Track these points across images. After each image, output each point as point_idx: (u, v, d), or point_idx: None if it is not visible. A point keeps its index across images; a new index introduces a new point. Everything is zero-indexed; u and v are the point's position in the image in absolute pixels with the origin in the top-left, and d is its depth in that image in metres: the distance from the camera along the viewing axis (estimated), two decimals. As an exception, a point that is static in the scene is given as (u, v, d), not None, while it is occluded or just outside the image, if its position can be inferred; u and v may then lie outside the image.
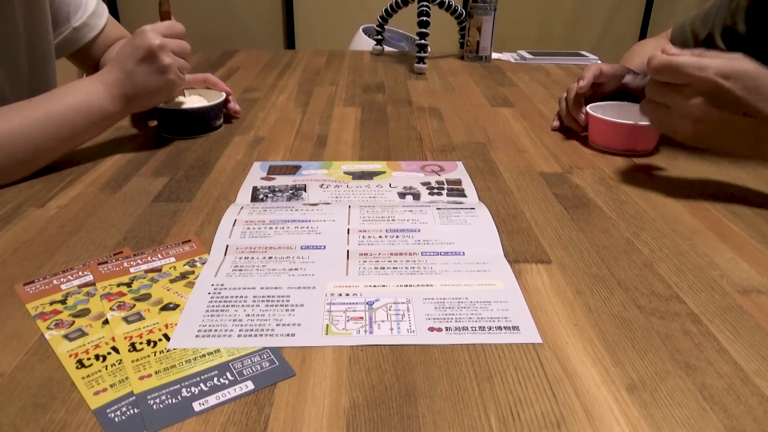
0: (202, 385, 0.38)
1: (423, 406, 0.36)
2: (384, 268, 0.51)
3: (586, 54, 1.44)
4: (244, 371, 0.39)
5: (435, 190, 0.67)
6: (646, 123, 0.76)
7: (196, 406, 0.36)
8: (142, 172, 0.71)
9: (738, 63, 0.58)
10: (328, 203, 0.63)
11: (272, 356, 0.41)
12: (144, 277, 0.50)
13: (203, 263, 0.52)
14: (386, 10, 1.41)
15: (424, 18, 1.25)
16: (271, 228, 0.57)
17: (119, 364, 0.40)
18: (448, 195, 0.66)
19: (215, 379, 0.38)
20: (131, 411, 0.36)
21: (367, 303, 0.46)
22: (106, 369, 0.39)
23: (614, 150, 0.79)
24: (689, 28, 0.99)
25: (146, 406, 0.36)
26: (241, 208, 0.61)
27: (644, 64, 0.96)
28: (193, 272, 0.51)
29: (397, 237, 0.56)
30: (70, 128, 0.69)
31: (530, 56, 1.41)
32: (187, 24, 0.80)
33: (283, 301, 0.47)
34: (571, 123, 0.86)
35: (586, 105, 0.83)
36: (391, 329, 0.43)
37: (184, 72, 0.77)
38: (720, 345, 0.42)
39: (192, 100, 0.86)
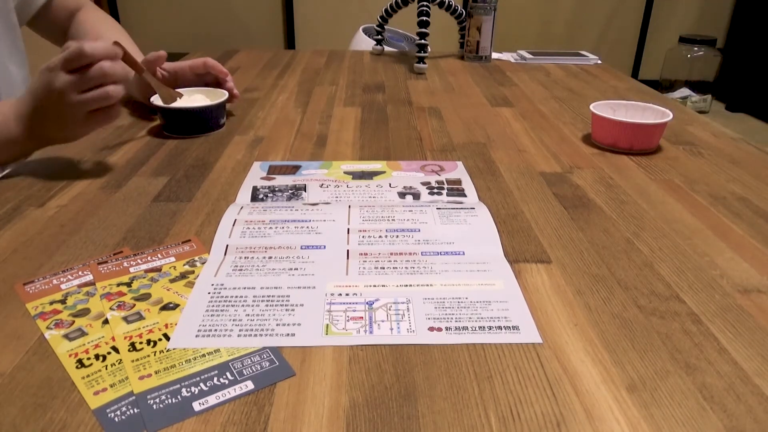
0: (202, 384, 0.38)
1: (423, 406, 0.36)
2: (384, 268, 0.51)
3: (586, 54, 1.44)
4: (244, 371, 0.39)
5: (435, 190, 0.67)
6: (649, 122, 0.78)
7: (196, 405, 0.36)
8: (142, 172, 0.71)
9: None
10: (328, 203, 0.63)
11: (272, 356, 0.41)
12: (144, 277, 0.50)
13: (203, 263, 0.52)
14: (386, 10, 1.41)
15: (424, 18, 1.25)
16: (271, 228, 0.57)
17: (119, 363, 0.40)
18: (448, 195, 0.66)
19: (215, 378, 0.38)
20: (131, 411, 0.36)
21: (367, 303, 0.46)
22: (106, 369, 0.39)
23: (618, 148, 0.80)
24: None
25: (146, 406, 0.36)
26: (241, 207, 0.61)
27: None
28: (193, 272, 0.51)
29: (397, 237, 0.56)
30: None
31: (530, 56, 1.41)
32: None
33: (283, 301, 0.47)
34: None
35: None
36: (391, 329, 0.43)
37: (115, 91, 0.65)
38: (720, 345, 0.42)
39: (195, 99, 0.86)
